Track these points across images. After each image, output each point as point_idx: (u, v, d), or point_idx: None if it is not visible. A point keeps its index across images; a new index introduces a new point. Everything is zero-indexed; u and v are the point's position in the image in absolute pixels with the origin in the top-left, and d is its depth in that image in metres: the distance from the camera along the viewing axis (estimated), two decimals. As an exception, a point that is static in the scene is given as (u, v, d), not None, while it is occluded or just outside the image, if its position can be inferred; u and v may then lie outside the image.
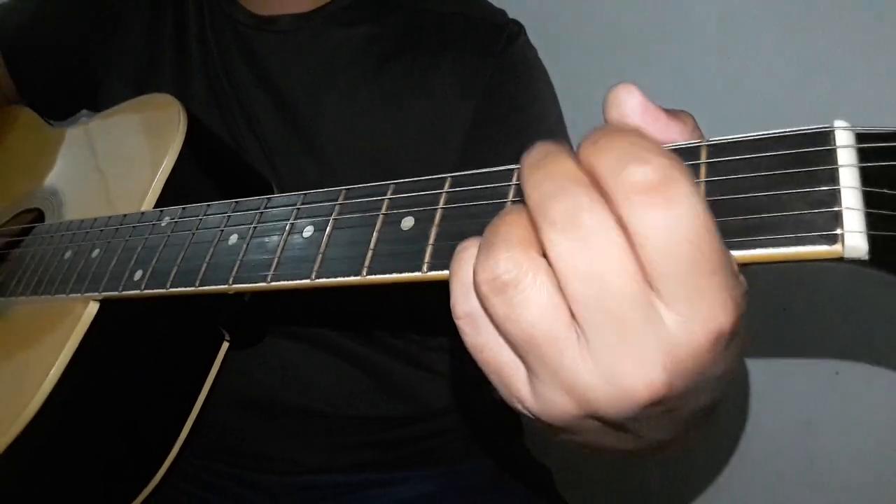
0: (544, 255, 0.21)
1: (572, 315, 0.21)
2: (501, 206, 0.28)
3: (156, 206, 0.46)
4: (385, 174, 0.57)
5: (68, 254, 0.46)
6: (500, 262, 0.21)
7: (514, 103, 0.58)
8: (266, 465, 0.59)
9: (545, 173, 0.21)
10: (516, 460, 0.66)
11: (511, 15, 0.64)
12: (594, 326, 0.20)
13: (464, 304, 0.23)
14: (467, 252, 0.23)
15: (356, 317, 0.59)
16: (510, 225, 0.22)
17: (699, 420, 0.25)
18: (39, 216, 0.55)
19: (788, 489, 0.82)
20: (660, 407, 0.21)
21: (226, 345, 0.51)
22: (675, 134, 0.24)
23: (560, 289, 0.21)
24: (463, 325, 0.23)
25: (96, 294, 0.41)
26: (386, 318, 0.60)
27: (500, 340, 0.23)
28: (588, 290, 0.20)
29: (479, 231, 0.27)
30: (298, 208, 0.34)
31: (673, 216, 0.19)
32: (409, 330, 0.61)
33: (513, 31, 0.61)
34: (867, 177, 0.21)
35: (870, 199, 0.21)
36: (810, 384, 0.79)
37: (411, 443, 0.62)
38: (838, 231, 0.20)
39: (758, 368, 0.80)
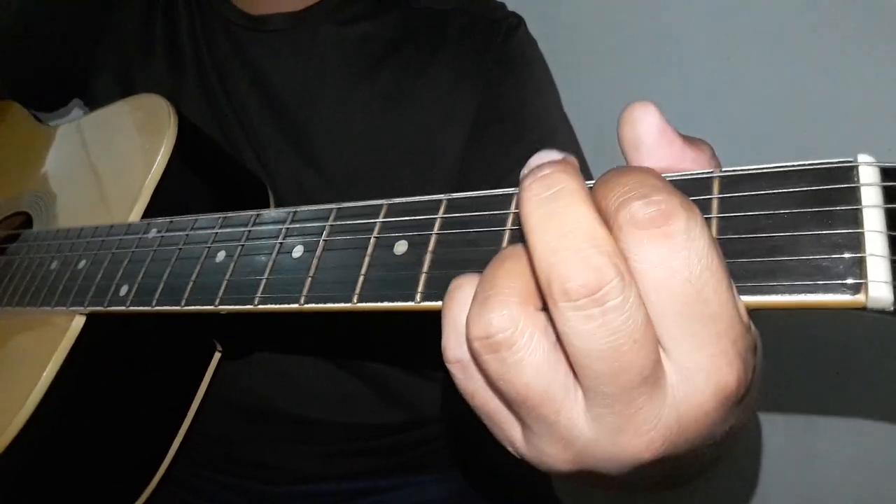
0: (544, 309, 0.20)
1: (569, 368, 0.20)
2: (500, 233, 0.26)
3: (147, 210, 0.45)
4: (381, 176, 0.57)
5: (54, 264, 0.44)
6: (495, 320, 0.19)
7: (515, 100, 0.56)
8: (261, 473, 0.58)
9: (558, 227, 0.19)
10: (514, 466, 0.65)
11: (511, 8, 0.62)
12: (602, 396, 0.19)
13: (455, 349, 0.22)
14: (461, 292, 0.22)
15: (350, 324, 0.58)
16: (507, 276, 0.20)
17: (699, 471, 0.24)
18: (27, 221, 0.54)
19: (788, 489, 0.81)
20: (657, 464, 0.20)
21: (217, 355, 0.50)
22: (689, 162, 0.23)
23: (558, 345, 0.20)
24: (454, 370, 0.22)
25: (81, 308, 0.40)
26: (380, 326, 0.59)
27: (486, 392, 0.22)
28: (601, 367, 0.19)
29: (475, 259, 0.26)
30: (288, 227, 0.33)
31: (668, 253, 0.18)
32: (403, 336, 0.59)
33: (511, 25, 0.59)
34: (893, 219, 0.19)
35: (895, 245, 0.19)
36: (810, 384, 0.78)
37: (408, 449, 0.61)
38: (861, 280, 0.19)
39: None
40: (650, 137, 0.22)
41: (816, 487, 0.79)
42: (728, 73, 0.73)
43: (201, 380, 0.49)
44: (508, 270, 0.20)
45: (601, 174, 0.21)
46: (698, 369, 0.19)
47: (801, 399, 0.78)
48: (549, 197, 0.19)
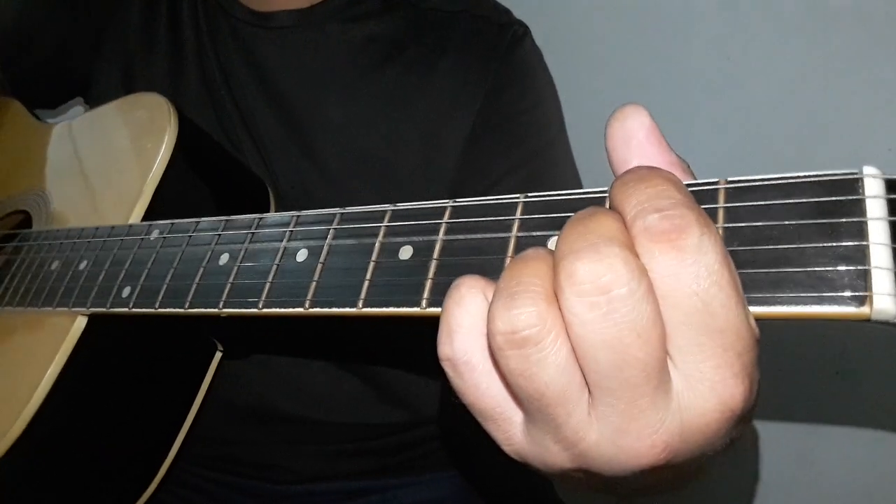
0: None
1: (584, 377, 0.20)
2: (505, 240, 0.26)
3: (147, 211, 0.45)
4: (382, 177, 0.57)
5: (55, 264, 0.44)
6: (523, 315, 0.19)
7: (515, 108, 0.56)
8: (263, 472, 0.58)
9: (582, 228, 0.20)
10: (515, 463, 0.65)
11: (515, 13, 0.62)
12: (606, 392, 0.19)
13: (446, 347, 0.22)
14: (457, 292, 0.22)
15: (352, 324, 0.58)
16: (534, 274, 0.20)
17: (689, 481, 0.24)
18: (27, 219, 0.54)
19: (788, 489, 0.82)
20: (657, 472, 0.21)
21: (219, 354, 0.50)
22: (678, 168, 0.23)
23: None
24: (445, 367, 0.22)
25: (84, 309, 0.40)
26: (382, 326, 0.59)
27: (484, 386, 0.22)
28: (604, 358, 0.19)
29: (481, 266, 0.26)
30: (292, 230, 0.33)
31: (678, 265, 0.19)
32: (405, 337, 0.60)
33: (518, 33, 0.59)
34: (898, 232, 0.20)
35: (900, 258, 0.19)
36: (810, 384, 0.78)
37: (409, 448, 0.61)
38: (866, 292, 0.19)
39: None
40: (641, 132, 0.23)
41: (817, 490, 0.80)
42: (728, 72, 0.73)
43: (202, 379, 0.49)
44: (535, 269, 0.20)
45: (623, 173, 0.21)
46: (702, 379, 0.19)
47: (802, 402, 0.79)
48: (585, 214, 0.20)
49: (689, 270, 0.18)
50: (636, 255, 0.19)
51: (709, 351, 0.19)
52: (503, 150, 0.54)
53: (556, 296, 0.20)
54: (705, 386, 0.19)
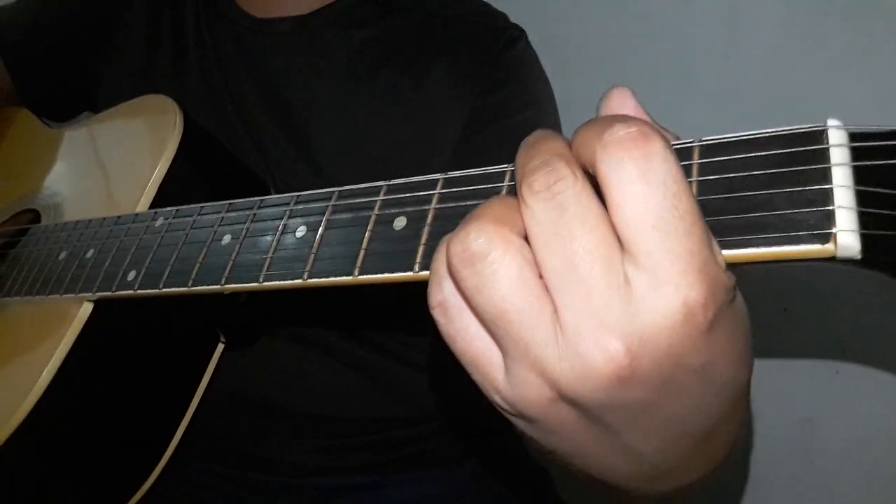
0: (524, 237, 0.21)
1: (545, 290, 0.21)
2: (494, 205, 0.27)
3: (151, 208, 0.46)
4: (378, 178, 0.58)
5: (63, 254, 0.46)
6: (471, 233, 0.21)
7: (507, 108, 0.57)
8: (262, 466, 0.59)
9: (535, 150, 0.22)
10: (514, 463, 0.65)
11: (513, 18, 0.64)
12: (561, 290, 0.20)
13: (437, 293, 0.23)
14: (443, 245, 0.23)
15: (352, 318, 0.59)
16: (487, 206, 0.22)
17: (696, 445, 0.24)
18: (36, 217, 0.55)
19: (788, 488, 0.81)
20: (630, 389, 0.20)
21: (221, 346, 0.51)
22: None
23: (534, 264, 0.21)
24: (436, 314, 0.23)
25: (90, 294, 0.41)
26: (382, 320, 0.60)
27: (473, 328, 0.23)
28: (558, 250, 0.20)
29: (471, 231, 0.27)
30: (292, 209, 0.34)
31: (648, 169, 0.20)
32: (405, 331, 0.60)
33: (512, 36, 0.60)
34: (860, 175, 0.21)
35: (862, 198, 0.20)
36: (810, 383, 0.79)
37: (408, 444, 0.61)
38: (831, 230, 0.20)
39: (758, 367, 0.79)
40: (625, 110, 0.24)
41: (817, 489, 0.79)
42: (728, 72, 0.75)
43: (205, 370, 0.49)
44: (488, 203, 0.22)
45: None
46: (669, 281, 0.20)
47: (801, 401, 0.79)
48: (536, 139, 0.23)
49: (659, 172, 0.20)
50: (578, 166, 0.21)
51: (676, 255, 0.20)
52: (493, 148, 0.56)
53: (514, 220, 0.22)
54: (670, 288, 0.20)
